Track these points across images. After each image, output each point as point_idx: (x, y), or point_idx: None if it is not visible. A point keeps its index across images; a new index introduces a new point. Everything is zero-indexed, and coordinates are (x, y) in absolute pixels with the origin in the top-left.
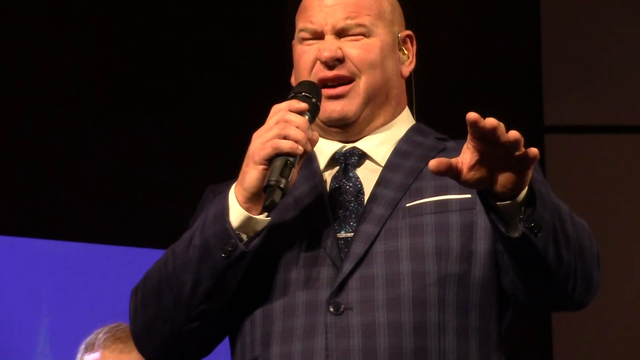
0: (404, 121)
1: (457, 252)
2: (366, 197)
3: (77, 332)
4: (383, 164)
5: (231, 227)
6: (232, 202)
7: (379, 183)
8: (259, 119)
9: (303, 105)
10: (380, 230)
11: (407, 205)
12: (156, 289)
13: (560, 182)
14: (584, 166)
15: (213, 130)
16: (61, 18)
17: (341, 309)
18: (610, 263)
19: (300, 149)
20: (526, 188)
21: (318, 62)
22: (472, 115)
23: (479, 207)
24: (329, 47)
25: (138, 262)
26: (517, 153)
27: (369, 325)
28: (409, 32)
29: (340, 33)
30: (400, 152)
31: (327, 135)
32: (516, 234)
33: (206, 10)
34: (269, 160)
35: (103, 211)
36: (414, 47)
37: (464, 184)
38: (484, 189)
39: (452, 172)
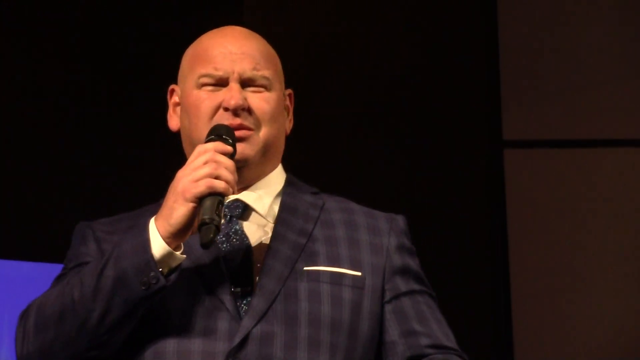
0: (279, 173)
1: (347, 327)
2: (255, 252)
3: None
4: (268, 218)
5: (153, 259)
6: (154, 236)
7: (275, 238)
8: None
9: (229, 148)
10: (280, 289)
11: (305, 268)
12: (58, 315)
13: (519, 197)
14: (543, 181)
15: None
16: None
17: None
18: (569, 275)
19: (231, 190)
20: None
21: (221, 109)
22: None
23: (367, 288)
24: (237, 95)
25: None
26: None
27: None
28: (290, 90)
29: (245, 83)
30: (287, 208)
31: None
32: None
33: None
34: (200, 199)
35: (55, 231)
36: (293, 105)
37: None
38: None
39: None
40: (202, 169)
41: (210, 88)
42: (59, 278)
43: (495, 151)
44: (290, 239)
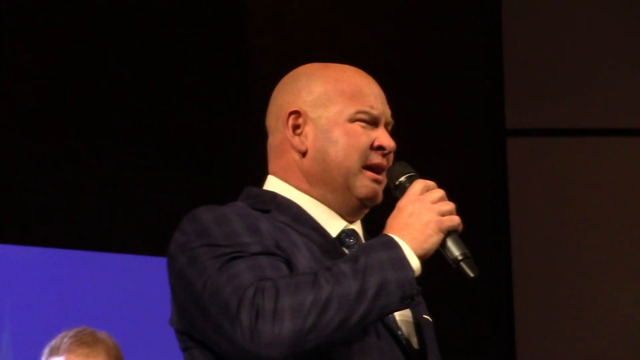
0: None
1: None
2: None
3: (40, 336)
4: None
5: (414, 277)
6: (410, 254)
7: None
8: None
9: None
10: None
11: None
12: (321, 306)
13: (522, 185)
14: (545, 169)
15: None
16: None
17: None
18: (571, 266)
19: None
20: None
21: (370, 148)
22: None
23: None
24: (391, 139)
25: (101, 266)
26: None
27: None
28: None
29: (386, 125)
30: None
31: (339, 210)
32: None
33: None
34: (448, 233)
35: (62, 215)
36: None
37: None
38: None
39: None
40: (446, 205)
41: (363, 124)
42: (233, 259)
43: (498, 140)
44: None
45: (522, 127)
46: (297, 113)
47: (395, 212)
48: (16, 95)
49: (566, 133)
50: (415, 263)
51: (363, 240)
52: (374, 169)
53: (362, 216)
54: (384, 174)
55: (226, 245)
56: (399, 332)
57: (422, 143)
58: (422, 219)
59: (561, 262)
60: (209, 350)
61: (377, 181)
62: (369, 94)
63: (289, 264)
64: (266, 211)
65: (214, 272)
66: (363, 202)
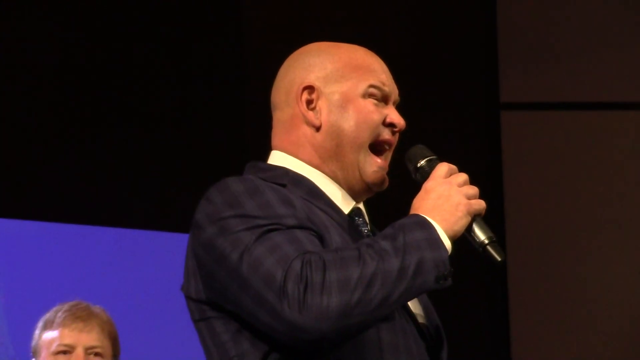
0: None
1: None
2: None
3: (34, 309)
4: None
5: (448, 259)
6: (443, 236)
7: None
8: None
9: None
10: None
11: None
12: (367, 281)
13: (516, 159)
14: (539, 143)
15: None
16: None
17: None
18: (564, 241)
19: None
20: None
21: (382, 124)
22: None
23: None
24: (399, 116)
25: (93, 240)
26: None
27: None
28: None
29: (394, 104)
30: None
31: (348, 189)
32: None
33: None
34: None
35: (53, 188)
36: None
37: None
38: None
39: None
40: (472, 189)
41: (375, 101)
42: (269, 231)
43: (492, 113)
44: None
45: (516, 100)
46: (310, 88)
47: (422, 193)
48: (19, 71)
49: (560, 107)
50: (447, 244)
51: (367, 219)
52: (383, 145)
53: (364, 198)
54: (387, 153)
55: (260, 216)
56: (411, 309)
57: (416, 117)
58: (452, 201)
59: (555, 236)
60: (234, 321)
61: (382, 167)
62: (381, 71)
63: (321, 239)
64: (282, 185)
65: (252, 243)
66: (371, 186)
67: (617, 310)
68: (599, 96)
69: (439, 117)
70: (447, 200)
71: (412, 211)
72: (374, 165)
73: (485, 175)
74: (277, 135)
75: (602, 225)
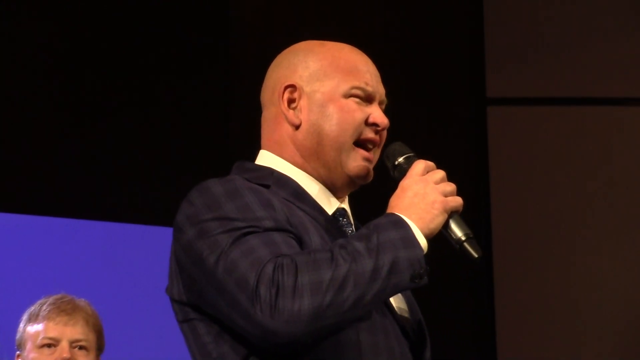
0: None
1: None
2: None
3: (19, 302)
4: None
5: (423, 257)
6: (418, 234)
7: None
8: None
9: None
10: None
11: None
12: (339, 283)
13: (502, 154)
14: (526, 138)
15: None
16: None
17: None
18: (551, 235)
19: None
20: None
21: (364, 124)
22: None
23: None
24: (383, 115)
25: (79, 233)
26: None
27: None
28: None
29: (380, 104)
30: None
31: (331, 186)
32: None
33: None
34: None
35: (38, 182)
36: None
37: None
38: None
39: None
40: (449, 186)
41: (357, 100)
42: (246, 234)
43: (478, 108)
44: None
45: (502, 95)
46: (292, 87)
47: (398, 191)
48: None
49: (546, 102)
50: (423, 242)
51: (352, 219)
52: (366, 144)
53: (349, 193)
54: (375, 151)
55: (239, 219)
56: (394, 307)
57: (403, 112)
58: (428, 199)
59: (541, 233)
60: (215, 323)
61: (368, 159)
62: (365, 71)
63: (300, 241)
64: (265, 186)
65: (228, 246)
66: (354, 179)
67: (603, 308)
68: (585, 91)
69: (426, 112)
70: (423, 199)
71: (389, 210)
72: (358, 158)
73: (471, 171)
74: (264, 135)
75: (589, 222)
